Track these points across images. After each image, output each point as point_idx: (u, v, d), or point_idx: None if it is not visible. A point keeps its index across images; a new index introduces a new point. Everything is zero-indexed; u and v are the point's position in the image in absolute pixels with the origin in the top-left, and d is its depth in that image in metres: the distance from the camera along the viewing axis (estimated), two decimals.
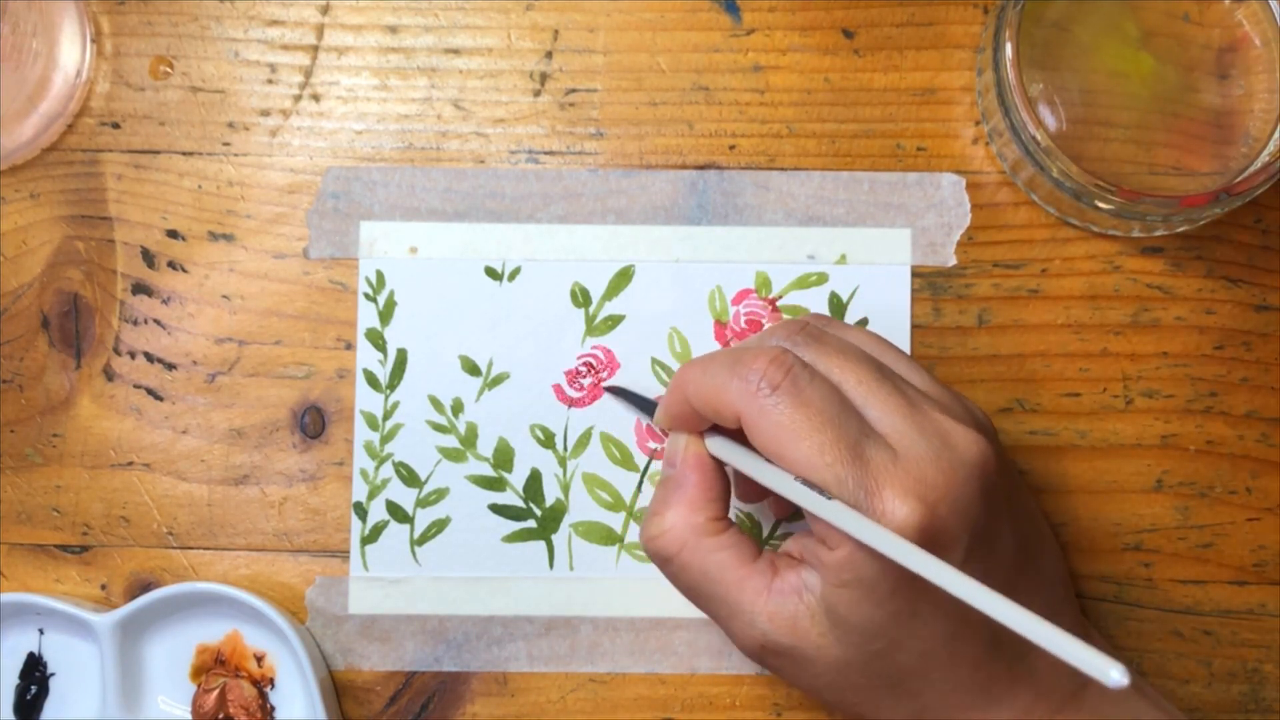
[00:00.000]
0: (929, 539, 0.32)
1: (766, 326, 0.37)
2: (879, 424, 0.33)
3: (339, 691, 0.42)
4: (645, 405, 0.42)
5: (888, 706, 0.35)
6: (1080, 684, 0.36)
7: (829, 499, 0.32)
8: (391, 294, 0.43)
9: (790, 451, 0.33)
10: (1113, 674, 0.26)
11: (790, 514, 0.42)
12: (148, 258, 0.44)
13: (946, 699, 0.35)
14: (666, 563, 0.36)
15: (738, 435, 0.35)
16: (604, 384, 0.43)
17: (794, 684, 0.36)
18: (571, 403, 0.43)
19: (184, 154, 0.44)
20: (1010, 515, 0.35)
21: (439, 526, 0.43)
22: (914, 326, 0.43)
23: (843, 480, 0.32)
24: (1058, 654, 0.27)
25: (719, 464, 0.37)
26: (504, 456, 0.43)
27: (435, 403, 0.43)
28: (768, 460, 0.34)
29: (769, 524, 0.43)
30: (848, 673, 0.34)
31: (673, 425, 0.37)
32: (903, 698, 0.35)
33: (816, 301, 0.43)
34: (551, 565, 0.43)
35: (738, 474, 0.39)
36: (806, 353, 0.35)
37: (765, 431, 0.33)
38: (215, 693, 0.41)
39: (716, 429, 0.37)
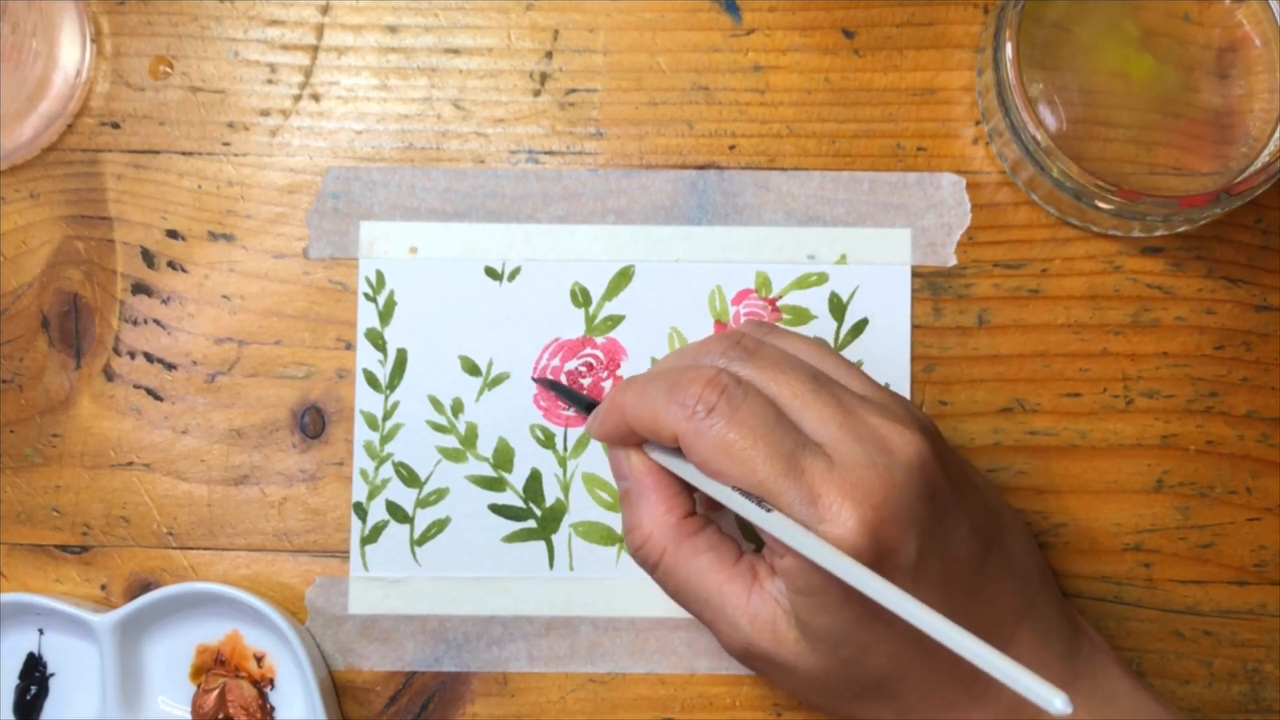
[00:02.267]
0: (873, 544, 0.32)
1: (705, 337, 0.38)
2: (816, 433, 0.34)
3: (339, 691, 0.42)
4: (579, 401, 0.42)
5: (871, 709, 0.35)
6: (1068, 677, 0.36)
7: (767, 510, 0.32)
8: (391, 294, 0.43)
9: (727, 469, 0.33)
10: (1056, 703, 0.25)
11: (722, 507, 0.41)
12: (148, 258, 0.44)
13: (927, 699, 0.35)
14: (653, 570, 0.37)
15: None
16: (534, 377, 0.43)
17: (781, 687, 0.36)
18: (571, 403, 0.43)
19: (184, 154, 0.44)
20: (964, 509, 0.35)
21: (439, 526, 0.43)
22: (914, 326, 0.43)
23: (781, 492, 0.32)
24: (998, 677, 0.27)
25: (666, 468, 0.37)
26: (504, 456, 0.43)
27: (435, 403, 0.43)
28: None
29: None
30: (825, 678, 0.34)
31: (609, 440, 0.37)
32: (885, 700, 0.35)
33: (816, 301, 0.43)
34: (551, 565, 0.43)
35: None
36: (743, 368, 0.35)
37: (702, 452, 0.33)
38: (215, 693, 0.41)
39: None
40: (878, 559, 0.32)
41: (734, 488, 0.33)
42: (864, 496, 0.32)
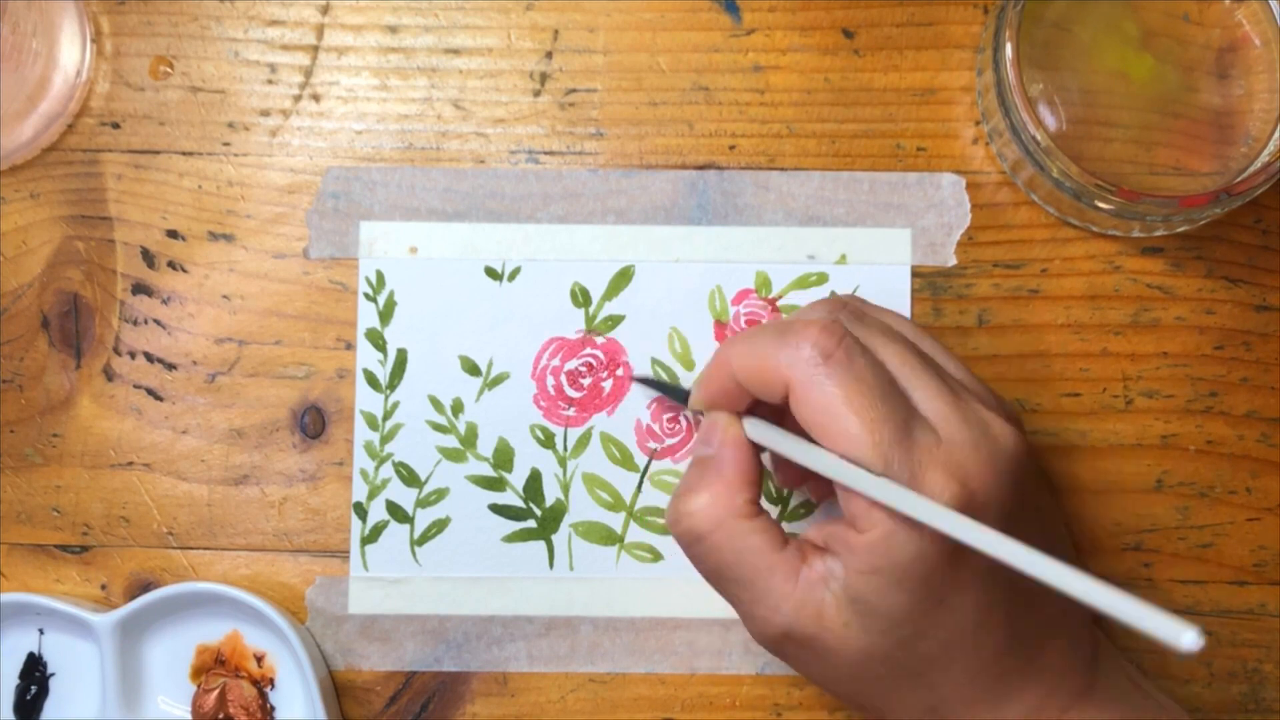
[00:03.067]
0: None
1: (806, 305, 0.37)
2: (922, 406, 0.33)
3: (339, 691, 0.42)
4: (676, 393, 0.41)
5: (904, 699, 0.35)
6: (1089, 682, 0.36)
7: (876, 476, 0.32)
8: (391, 294, 0.43)
9: (840, 425, 0.32)
10: (1185, 637, 0.25)
11: (830, 496, 0.41)
12: (148, 258, 0.44)
13: (962, 691, 0.35)
14: (697, 541, 0.35)
15: (774, 420, 0.35)
16: (634, 376, 0.42)
17: (810, 675, 0.36)
18: (571, 403, 0.43)
19: (184, 154, 0.44)
20: (1038, 509, 0.35)
21: (439, 526, 0.43)
22: None
23: (889, 460, 0.32)
24: (1128, 621, 0.27)
25: (756, 448, 0.36)
26: (504, 456, 0.43)
27: (435, 403, 0.43)
28: (808, 440, 0.34)
29: (776, 510, 0.42)
30: (869, 663, 0.34)
31: (711, 403, 0.36)
32: (920, 689, 0.35)
33: None
34: (551, 565, 0.43)
35: (775, 457, 0.39)
36: (852, 329, 0.34)
37: (816, 402, 0.33)
38: (215, 693, 0.41)
39: (752, 413, 0.36)
40: (961, 546, 0.32)
41: (837, 454, 0.32)
42: (969, 478, 0.32)
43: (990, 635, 0.34)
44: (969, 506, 0.32)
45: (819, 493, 0.42)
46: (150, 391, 0.43)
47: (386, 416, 0.43)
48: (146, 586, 0.43)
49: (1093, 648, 0.38)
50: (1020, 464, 0.33)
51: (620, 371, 0.43)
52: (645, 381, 0.43)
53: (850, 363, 0.33)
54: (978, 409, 0.34)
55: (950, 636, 0.34)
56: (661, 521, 0.43)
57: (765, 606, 0.34)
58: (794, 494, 0.43)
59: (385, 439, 0.43)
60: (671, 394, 0.42)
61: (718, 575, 0.36)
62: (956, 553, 0.32)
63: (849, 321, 0.35)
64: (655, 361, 0.43)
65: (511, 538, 0.43)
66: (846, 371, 0.33)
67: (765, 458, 0.39)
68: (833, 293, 0.43)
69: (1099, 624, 0.39)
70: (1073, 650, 0.36)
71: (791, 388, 0.33)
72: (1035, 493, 0.35)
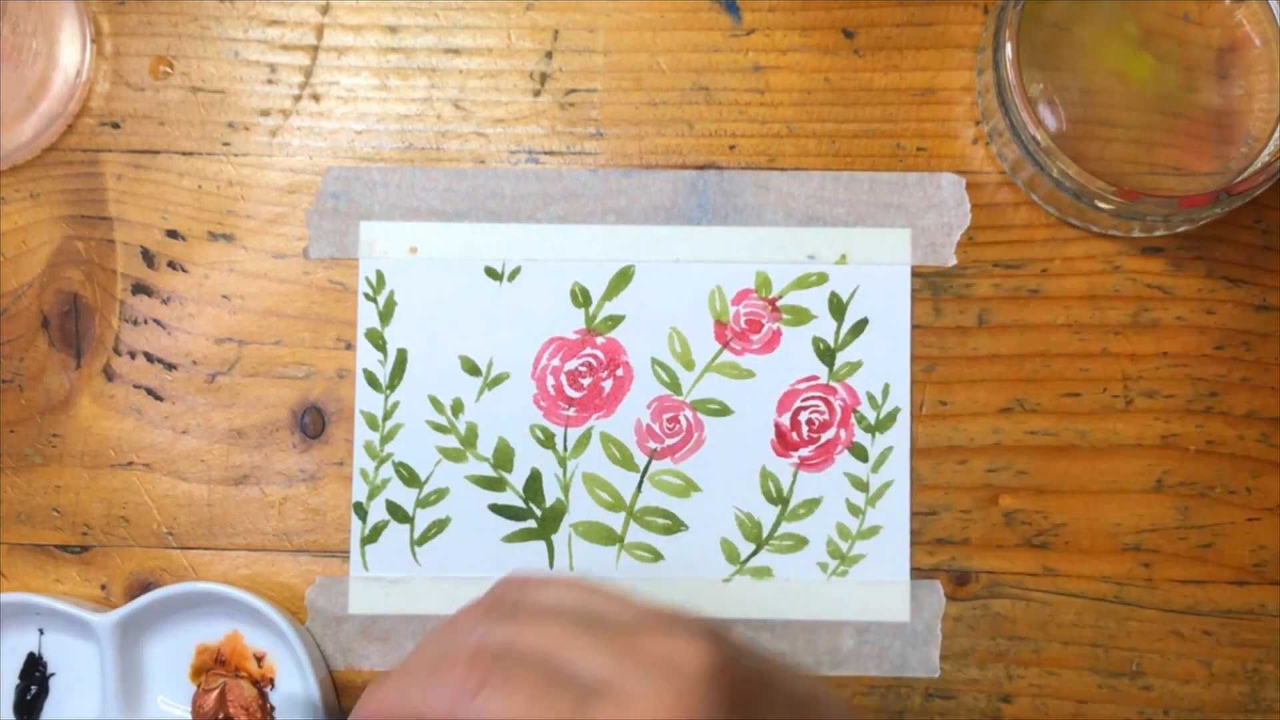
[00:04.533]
0: None
1: (456, 612, 0.35)
2: (597, 676, 0.31)
3: (339, 691, 0.42)
4: None
5: None
6: None
7: None
8: (391, 294, 0.43)
9: None
10: None
11: None
12: (148, 258, 0.44)
13: None
14: None
15: None
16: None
17: None
18: (571, 403, 0.43)
19: (184, 154, 0.44)
20: (775, 707, 0.33)
21: (439, 526, 0.43)
22: (914, 326, 0.43)
23: None
24: None
25: None
26: (504, 456, 0.43)
27: (435, 403, 0.43)
28: None
29: (768, 525, 0.43)
30: None
31: None
32: None
33: (816, 301, 0.43)
34: (551, 565, 0.43)
35: None
36: (503, 631, 0.33)
37: None
38: (215, 693, 0.41)
39: None
40: None
41: None
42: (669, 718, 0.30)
43: None
44: None
45: None
46: (150, 391, 0.43)
47: (386, 416, 0.43)
48: (146, 586, 0.43)
49: None
50: (723, 677, 0.31)
51: (620, 371, 0.43)
52: None
53: (504, 680, 0.31)
54: (655, 646, 0.31)
55: None
56: (662, 522, 0.43)
57: None
58: (793, 494, 0.43)
59: (385, 439, 0.43)
60: None
61: None
62: None
63: (499, 623, 0.33)
64: (655, 362, 0.43)
65: (511, 538, 0.43)
66: (503, 691, 0.31)
67: None
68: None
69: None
70: None
71: None
72: (770, 692, 0.32)
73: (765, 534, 0.43)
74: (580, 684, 0.31)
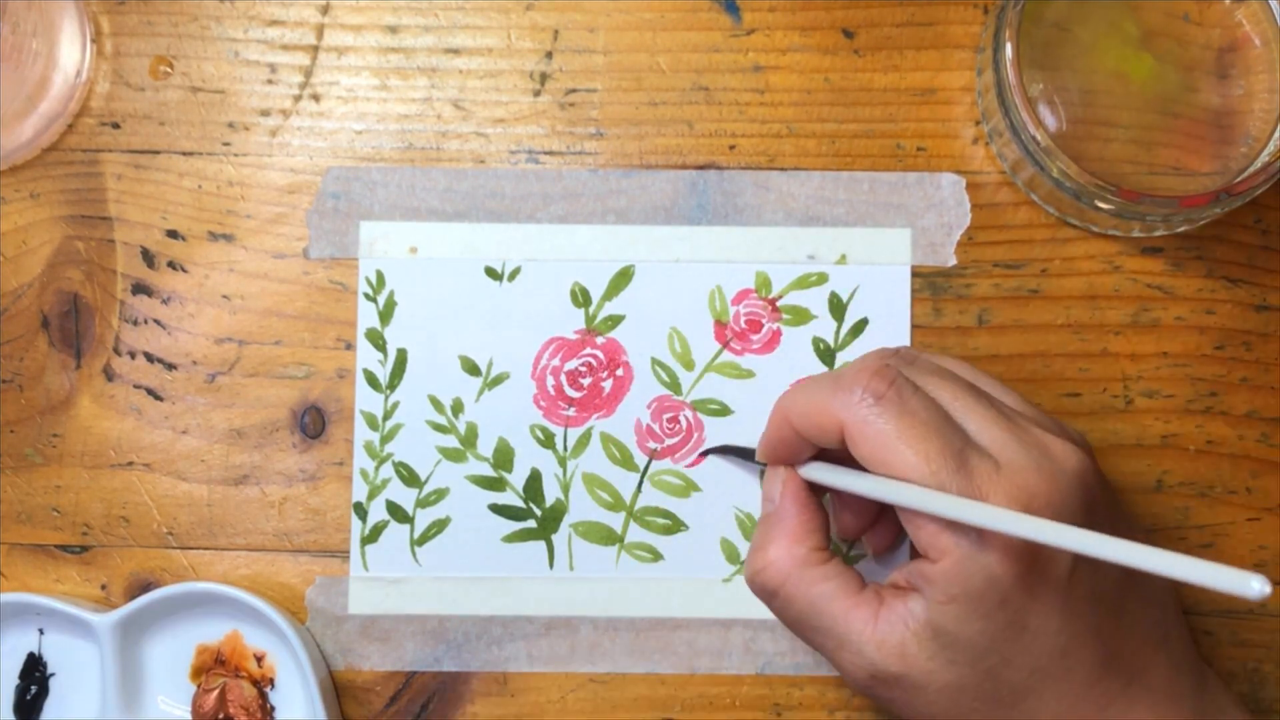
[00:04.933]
0: (1032, 549, 0.32)
1: (858, 356, 0.38)
2: (979, 437, 0.34)
3: (339, 691, 0.42)
4: (747, 453, 0.42)
5: None
6: (1200, 709, 0.35)
7: (941, 493, 0.32)
8: (391, 294, 0.43)
9: (896, 460, 0.33)
10: (1254, 584, 0.26)
11: (888, 548, 0.41)
12: (148, 258, 0.44)
13: (1057, 716, 0.34)
14: (772, 596, 0.36)
15: (835, 461, 0.36)
16: (703, 449, 0.43)
17: (904, 713, 0.35)
18: (571, 403, 0.43)
19: (184, 154, 0.44)
20: (1115, 531, 0.35)
21: (439, 526, 0.43)
22: (914, 326, 0.43)
23: (948, 488, 0.32)
24: (1194, 579, 0.27)
25: (817, 498, 0.37)
26: (504, 456, 0.43)
27: (435, 403, 0.43)
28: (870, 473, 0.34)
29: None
30: (960, 697, 0.34)
31: (774, 455, 0.37)
32: (1016, 716, 0.34)
33: (816, 301, 0.43)
34: (551, 565, 0.43)
35: (836, 507, 0.40)
36: (907, 370, 0.35)
37: (870, 441, 0.33)
38: (215, 693, 0.41)
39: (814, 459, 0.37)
40: (1033, 566, 0.32)
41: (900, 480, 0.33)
42: (1029, 501, 0.32)
43: (1081, 659, 0.34)
44: None
45: (878, 544, 0.41)
46: (150, 391, 0.43)
47: (386, 416, 0.43)
48: (146, 586, 0.43)
49: (1198, 676, 0.37)
50: (1086, 484, 0.33)
51: (620, 371, 0.43)
52: (719, 450, 0.43)
53: (902, 401, 0.33)
54: (1036, 433, 0.34)
55: (1038, 663, 0.33)
56: (662, 522, 0.43)
57: (849, 651, 0.35)
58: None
59: (385, 439, 0.43)
60: (743, 455, 0.42)
61: (799, 625, 0.36)
62: (1031, 575, 0.32)
63: (900, 365, 0.35)
64: (655, 361, 0.43)
65: (511, 538, 0.43)
66: (899, 409, 0.33)
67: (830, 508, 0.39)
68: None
69: (1198, 646, 0.38)
70: (1177, 675, 0.36)
71: (846, 430, 0.34)
72: (1107, 513, 0.35)
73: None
74: (966, 435, 0.34)
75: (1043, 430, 0.34)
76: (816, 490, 0.37)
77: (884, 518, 0.40)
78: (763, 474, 0.40)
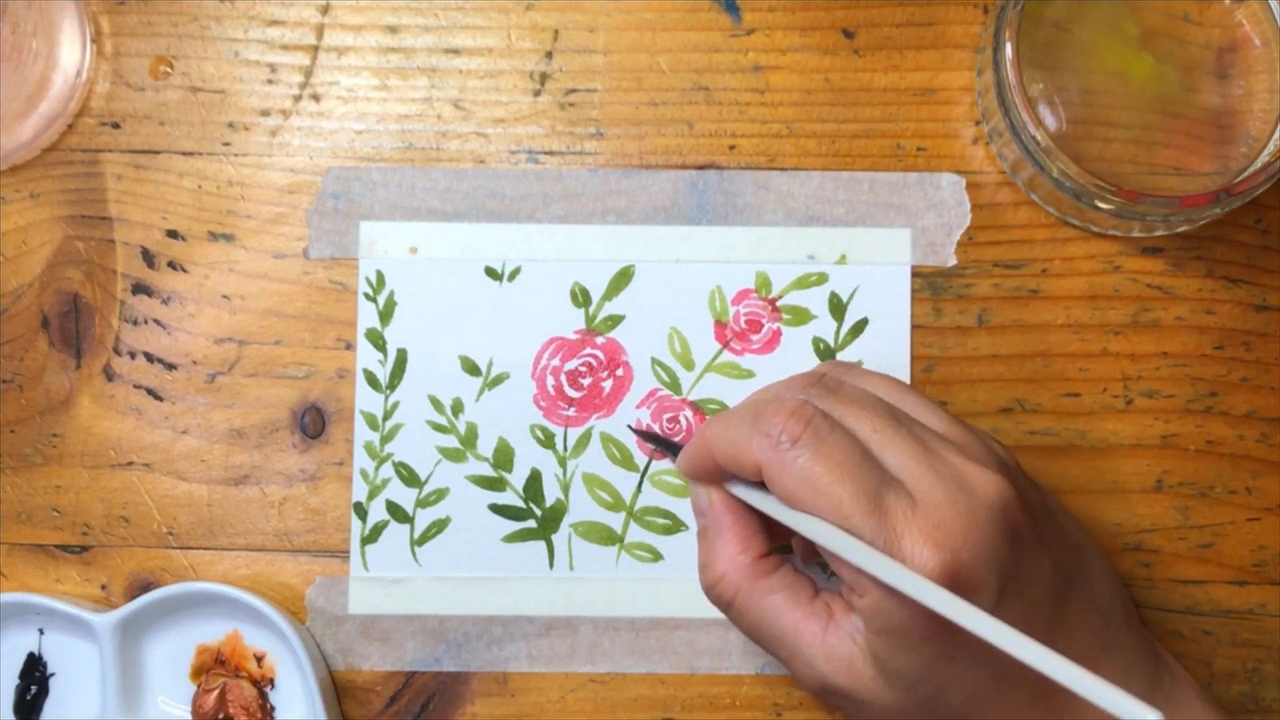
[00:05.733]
0: (955, 585, 0.32)
1: (786, 377, 0.38)
2: (897, 471, 0.33)
3: (339, 691, 0.42)
4: (671, 447, 0.42)
5: None
6: (1156, 704, 0.35)
7: (853, 540, 0.32)
8: (391, 294, 0.43)
9: (812, 502, 0.33)
10: (1149, 718, 0.26)
11: (814, 556, 0.41)
12: (148, 258, 0.44)
13: None
14: (727, 608, 0.36)
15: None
16: (630, 425, 0.43)
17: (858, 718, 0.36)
18: (571, 403, 0.43)
19: (184, 154, 0.44)
20: (1046, 547, 0.35)
21: (439, 526, 0.43)
22: (914, 326, 0.43)
23: (864, 531, 0.32)
24: (1088, 697, 0.27)
25: (747, 507, 0.37)
26: (504, 456, 0.43)
27: (435, 403, 0.43)
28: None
29: None
30: (902, 715, 0.34)
31: (694, 475, 0.37)
32: None
33: (816, 301, 0.43)
34: (551, 565, 0.43)
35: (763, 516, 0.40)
36: (823, 403, 0.35)
37: (786, 485, 0.33)
38: (215, 693, 0.41)
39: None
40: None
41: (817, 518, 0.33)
42: (946, 538, 0.32)
43: (1018, 681, 0.34)
44: (953, 566, 0.31)
45: (805, 552, 0.41)
46: (150, 391, 0.43)
47: (386, 416, 0.43)
48: (146, 586, 0.43)
49: (1153, 676, 0.37)
50: (1006, 513, 0.33)
51: (620, 371, 0.43)
52: (642, 434, 0.43)
53: (819, 443, 0.33)
54: (954, 463, 0.33)
55: (974, 690, 0.33)
56: (662, 522, 0.43)
57: (800, 661, 0.35)
58: None
59: (385, 439, 0.43)
60: (667, 448, 0.42)
61: (754, 634, 0.36)
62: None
63: (820, 396, 0.35)
64: (655, 361, 0.43)
65: (511, 538, 0.43)
66: (814, 451, 0.33)
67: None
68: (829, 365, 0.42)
69: (1162, 640, 0.38)
70: (1126, 679, 0.36)
71: (764, 471, 0.34)
72: (1034, 535, 0.34)
73: None
74: (884, 472, 0.33)
75: (963, 458, 0.34)
76: None
77: None
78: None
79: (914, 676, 0.33)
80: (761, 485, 0.35)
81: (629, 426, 0.43)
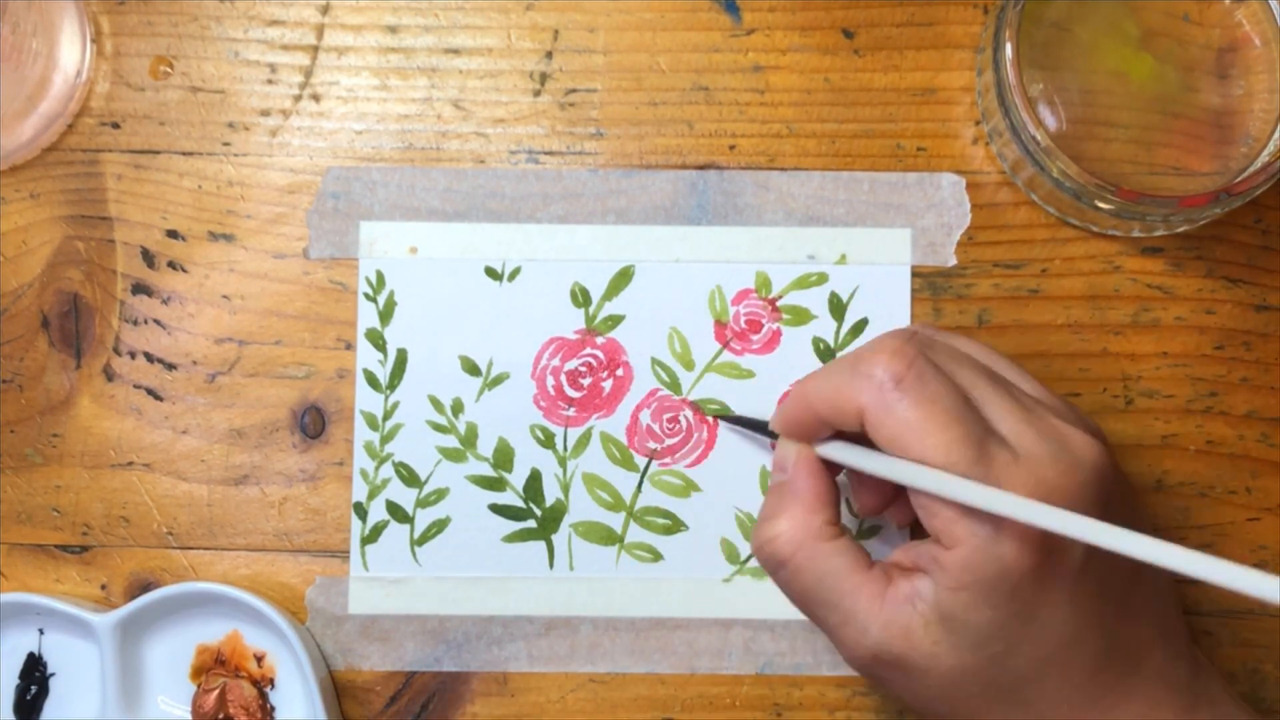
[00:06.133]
0: (1046, 541, 0.32)
1: (879, 335, 0.37)
2: (998, 425, 0.33)
3: (339, 691, 0.42)
4: (757, 425, 0.42)
5: (999, 714, 0.34)
6: (1191, 701, 0.35)
7: (963, 479, 0.32)
8: (391, 294, 0.43)
9: (916, 446, 0.32)
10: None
11: (912, 521, 0.41)
12: (148, 258, 0.44)
13: (1058, 708, 0.34)
14: (780, 567, 0.36)
15: (851, 440, 0.36)
16: (718, 415, 0.43)
17: (903, 695, 0.35)
18: (571, 403, 0.43)
19: (184, 154, 0.44)
20: (1128, 522, 0.35)
21: (439, 526, 0.43)
22: None
23: (967, 477, 0.32)
24: (1222, 582, 0.27)
25: (830, 472, 0.37)
26: (504, 456, 0.43)
27: (435, 403, 0.43)
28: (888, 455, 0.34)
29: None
30: (961, 682, 0.34)
31: (789, 431, 0.37)
32: (1014, 707, 0.34)
33: (816, 301, 0.43)
34: (551, 565, 0.43)
35: (855, 484, 0.40)
36: (925, 354, 0.35)
37: (891, 428, 0.33)
38: (215, 693, 0.41)
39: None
40: (1048, 558, 0.32)
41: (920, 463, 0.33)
42: (1048, 494, 0.32)
43: (1084, 649, 0.34)
44: None
45: (901, 518, 0.41)
46: (150, 391, 0.43)
47: (386, 416, 0.43)
48: (146, 586, 0.43)
49: (1191, 665, 0.36)
50: (1102, 476, 0.33)
51: (620, 371, 0.43)
52: (729, 419, 0.43)
53: (923, 385, 0.33)
54: (1054, 424, 0.34)
55: (1042, 652, 0.33)
56: (662, 522, 0.43)
57: (853, 628, 0.34)
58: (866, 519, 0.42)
59: (385, 439, 0.43)
60: (755, 428, 0.42)
61: (804, 599, 0.36)
62: (1044, 566, 0.32)
63: (920, 347, 0.35)
64: (655, 361, 0.43)
65: (511, 538, 0.43)
66: (919, 394, 0.33)
67: (843, 483, 0.39)
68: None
69: (1197, 644, 0.38)
70: (1171, 666, 0.36)
71: (866, 414, 0.34)
72: (1122, 506, 0.34)
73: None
74: (984, 421, 0.33)
75: (1061, 420, 0.34)
76: (830, 466, 0.37)
77: (905, 494, 0.40)
78: (773, 445, 0.40)
79: (988, 634, 0.33)
80: (854, 440, 0.35)
81: (718, 416, 0.43)
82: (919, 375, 0.33)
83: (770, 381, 0.43)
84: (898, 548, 0.36)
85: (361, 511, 0.43)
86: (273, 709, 0.42)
